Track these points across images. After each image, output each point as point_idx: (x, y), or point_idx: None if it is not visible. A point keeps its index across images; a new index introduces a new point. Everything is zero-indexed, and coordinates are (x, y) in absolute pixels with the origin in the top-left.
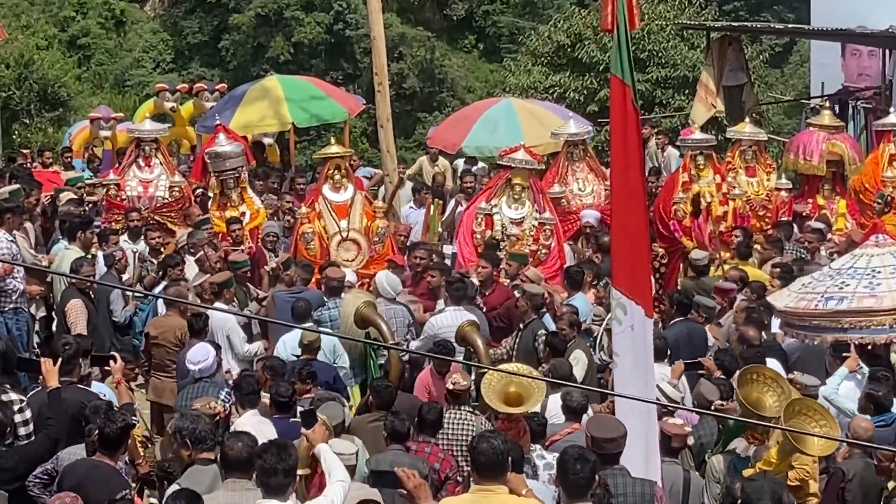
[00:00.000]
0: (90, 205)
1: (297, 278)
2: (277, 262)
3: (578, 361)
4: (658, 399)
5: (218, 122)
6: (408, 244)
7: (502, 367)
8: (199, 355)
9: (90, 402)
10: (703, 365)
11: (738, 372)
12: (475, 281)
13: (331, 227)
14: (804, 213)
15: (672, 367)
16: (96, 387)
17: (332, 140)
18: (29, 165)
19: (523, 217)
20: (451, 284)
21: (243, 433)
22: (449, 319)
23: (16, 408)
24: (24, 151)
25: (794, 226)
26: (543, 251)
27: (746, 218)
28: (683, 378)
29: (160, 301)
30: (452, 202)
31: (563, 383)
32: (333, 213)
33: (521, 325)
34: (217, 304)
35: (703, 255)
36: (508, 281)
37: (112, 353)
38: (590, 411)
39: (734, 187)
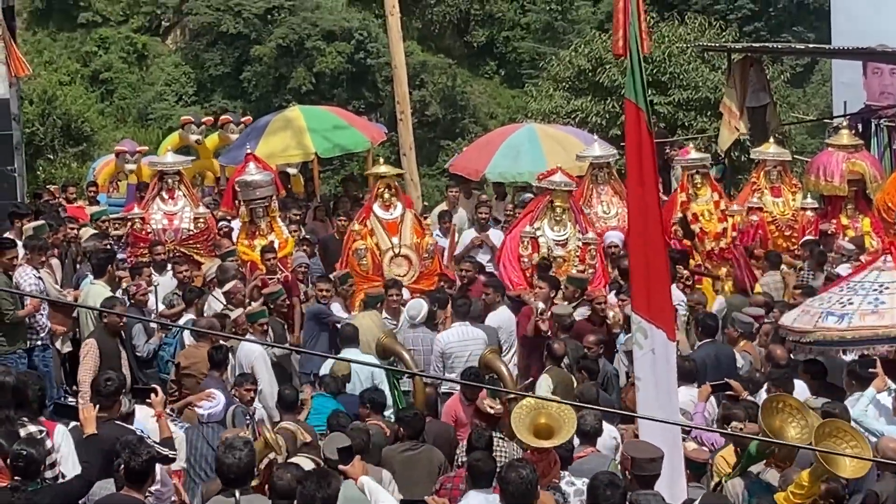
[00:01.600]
0: (115, 239)
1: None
2: (335, 277)
3: (541, 387)
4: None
5: (249, 151)
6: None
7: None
8: (208, 400)
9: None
10: (730, 386)
11: (762, 401)
12: (540, 304)
13: (383, 244)
14: (829, 231)
15: (699, 390)
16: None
17: (381, 160)
18: (57, 201)
19: (566, 238)
20: (455, 301)
21: (292, 464)
22: (456, 335)
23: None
24: (50, 187)
25: (821, 245)
26: (590, 271)
27: (746, 234)
28: (712, 400)
29: (185, 333)
30: (464, 234)
31: (590, 407)
32: (385, 231)
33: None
34: (248, 336)
35: None
36: (566, 303)
37: (154, 385)
38: (607, 430)
39: (760, 207)
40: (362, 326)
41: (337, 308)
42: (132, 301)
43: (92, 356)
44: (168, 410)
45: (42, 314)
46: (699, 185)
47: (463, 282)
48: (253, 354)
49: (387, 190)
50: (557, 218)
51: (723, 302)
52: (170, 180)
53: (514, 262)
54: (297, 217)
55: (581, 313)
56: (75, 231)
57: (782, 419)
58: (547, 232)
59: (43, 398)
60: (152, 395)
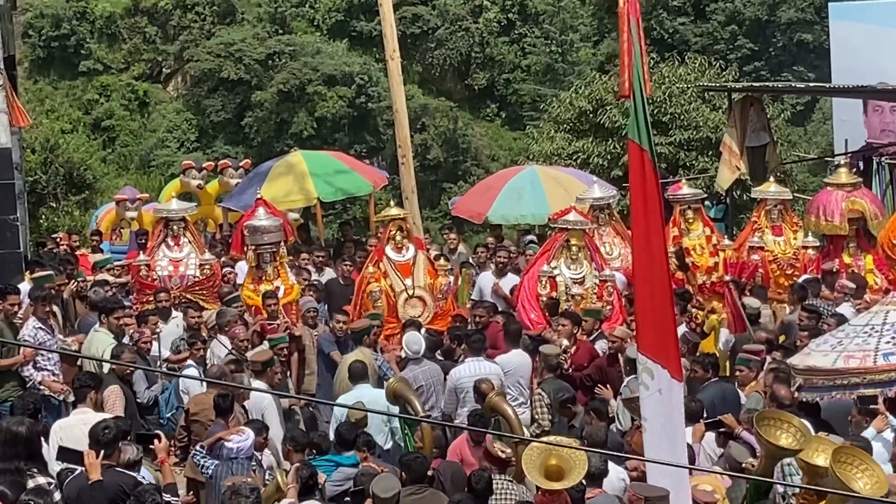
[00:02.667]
0: (118, 286)
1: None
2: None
3: None
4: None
5: (258, 196)
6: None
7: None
8: (238, 435)
9: (129, 484)
10: (723, 423)
11: (755, 417)
12: (564, 341)
13: (397, 286)
14: (833, 270)
15: (692, 429)
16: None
17: (392, 203)
18: (64, 247)
19: (583, 276)
20: (469, 337)
21: None
22: (468, 370)
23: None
24: (56, 235)
25: (822, 283)
26: (608, 308)
27: (737, 268)
28: (712, 438)
29: (183, 379)
30: (481, 276)
31: (603, 452)
32: (398, 272)
33: (536, 384)
34: (256, 384)
35: (757, 302)
36: (586, 337)
37: (157, 431)
38: (614, 471)
39: (762, 247)
40: (346, 363)
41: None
42: (136, 348)
43: (120, 400)
44: (199, 447)
45: (43, 370)
46: (691, 220)
47: (477, 327)
48: (263, 402)
49: (398, 232)
50: (574, 256)
51: (728, 335)
52: (175, 227)
53: (533, 302)
54: (321, 259)
55: (601, 347)
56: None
57: (773, 434)
58: (564, 270)
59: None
60: (155, 441)
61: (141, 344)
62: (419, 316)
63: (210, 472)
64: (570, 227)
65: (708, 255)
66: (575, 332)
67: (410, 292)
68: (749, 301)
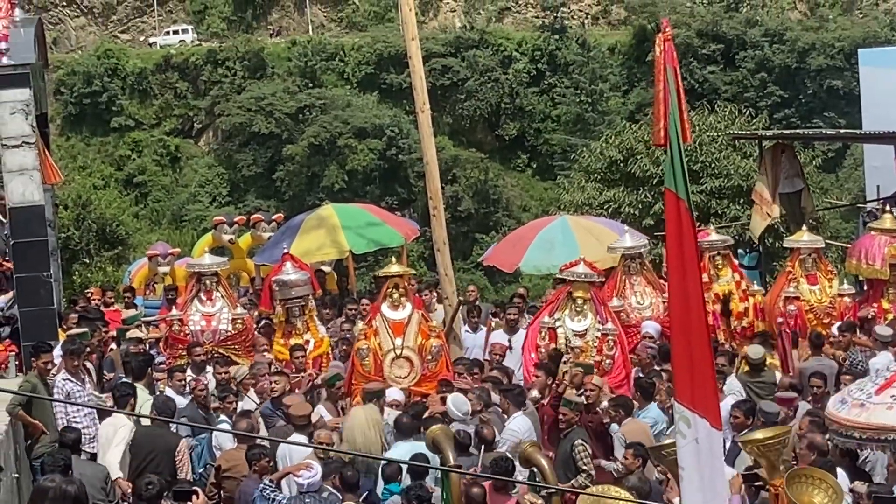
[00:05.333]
0: (153, 341)
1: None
2: (322, 379)
3: None
4: None
5: (286, 250)
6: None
7: (591, 489)
8: (307, 470)
9: None
10: (759, 476)
11: (786, 476)
12: (535, 392)
13: (385, 344)
14: (869, 317)
15: (730, 481)
16: None
17: (393, 259)
18: (97, 305)
19: (586, 329)
20: (511, 391)
21: None
22: (524, 424)
23: None
24: (90, 291)
25: (858, 330)
26: (608, 361)
27: (763, 313)
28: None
29: (216, 434)
30: (494, 334)
31: (643, 502)
32: (390, 331)
33: (563, 435)
34: (293, 437)
35: (760, 350)
36: (575, 391)
37: (195, 488)
38: None
39: (797, 297)
40: (355, 417)
41: (323, 411)
42: (196, 399)
43: (187, 457)
44: (267, 482)
45: (76, 419)
46: (720, 266)
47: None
48: (291, 452)
49: (395, 290)
50: (578, 309)
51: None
52: (207, 282)
53: (534, 353)
54: (353, 311)
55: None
56: (111, 335)
57: (808, 492)
58: (567, 323)
59: None
60: (194, 498)
61: (197, 393)
62: (405, 377)
63: None
64: (574, 278)
65: (738, 300)
66: (549, 383)
67: (398, 352)
68: (751, 350)
